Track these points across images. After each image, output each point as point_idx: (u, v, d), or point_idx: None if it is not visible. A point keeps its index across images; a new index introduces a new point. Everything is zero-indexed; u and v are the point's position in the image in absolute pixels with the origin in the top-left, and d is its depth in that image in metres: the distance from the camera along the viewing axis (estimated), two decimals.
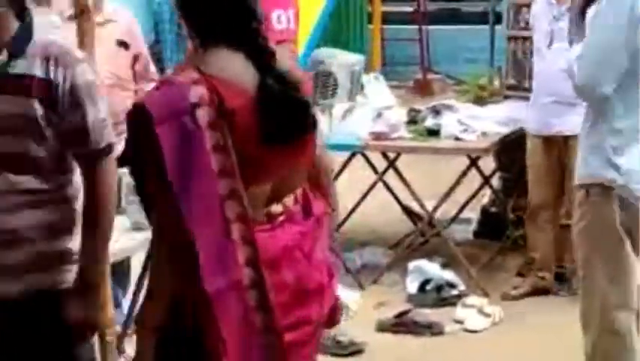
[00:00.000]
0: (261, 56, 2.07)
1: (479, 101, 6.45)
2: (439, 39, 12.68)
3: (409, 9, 12.80)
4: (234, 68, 2.05)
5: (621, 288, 3.29)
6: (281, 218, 2.07)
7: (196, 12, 2.10)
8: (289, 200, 2.10)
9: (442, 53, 12.56)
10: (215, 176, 1.91)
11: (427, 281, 5.18)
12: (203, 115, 1.92)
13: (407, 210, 6.22)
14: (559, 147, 5.04)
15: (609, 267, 3.28)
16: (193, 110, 1.93)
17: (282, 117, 2.02)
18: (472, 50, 11.84)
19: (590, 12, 3.29)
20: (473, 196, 6.09)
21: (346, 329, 4.58)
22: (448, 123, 5.25)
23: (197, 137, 1.91)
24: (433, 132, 5.32)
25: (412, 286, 5.19)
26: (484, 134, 5.25)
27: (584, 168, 3.32)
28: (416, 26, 12.46)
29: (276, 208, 2.08)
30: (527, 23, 5.80)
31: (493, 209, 6.15)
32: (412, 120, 5.54)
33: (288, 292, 2.04)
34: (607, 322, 3.29)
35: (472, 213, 6.32)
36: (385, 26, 12.19)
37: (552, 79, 4.94)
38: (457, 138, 5.23)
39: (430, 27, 12.69)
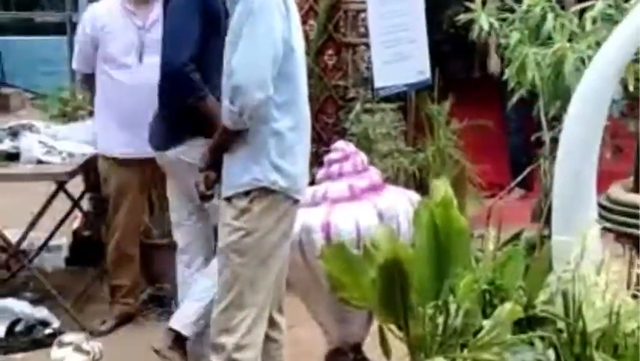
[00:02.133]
0: None
1: (64, 116, 6.08)
2: (12, 51, 11.96)
3: None
4: None
5: (261, 298, 3.25)
6: None
7: None
8: None
9: (17, 66, 11.86)
10: None
11: (16, 322, 4.67)
12: None
13: None
14: (152, 166, 4.75)
15: (256, 277, 3.22)
16: None
17: None
18: (50, 62, 11.30)
19: (235, 15, 3.13)
20: (62, 221, 5.65)
21: None
22: (29, 146, 4.78)
23: None
24: (12, 156, 4.81)
25: None
26: (70, 155, 4.84)
27: (242, 175, 3.18)
28: None
29: None
30: None
31: (86, 233, 5.78)
32: None
33: None
34: (248, 339, 3.22)
35: (64, 239, 5.90)
36: None
37: (151, 95, 4.62)
38: (40, 162, 4.76)
39: (1, 38, 11.93)
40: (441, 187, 2.79)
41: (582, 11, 3.87)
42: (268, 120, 3.16)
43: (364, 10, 5.51)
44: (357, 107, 5.38)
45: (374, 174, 3.81)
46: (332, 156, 3.80)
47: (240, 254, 3.20)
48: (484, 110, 7.90)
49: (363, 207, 3.61)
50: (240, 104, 3.08)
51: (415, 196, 3.85)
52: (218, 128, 3.25)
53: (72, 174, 4.78)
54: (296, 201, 3.26)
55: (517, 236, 3.73)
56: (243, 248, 3.19)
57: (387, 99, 5.53)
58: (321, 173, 3.82)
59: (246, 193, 3.18)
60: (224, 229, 3.24)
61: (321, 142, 5.66)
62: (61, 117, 6.35)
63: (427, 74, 5.70)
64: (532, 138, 4.17)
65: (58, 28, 11.39)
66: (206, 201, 3.38)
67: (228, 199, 3.22)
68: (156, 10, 4.72)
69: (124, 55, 4.67)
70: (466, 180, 5.96)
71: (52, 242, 5.77)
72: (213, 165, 3.27)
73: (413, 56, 5.60)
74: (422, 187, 5.50)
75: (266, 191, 3.17)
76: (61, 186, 4.99)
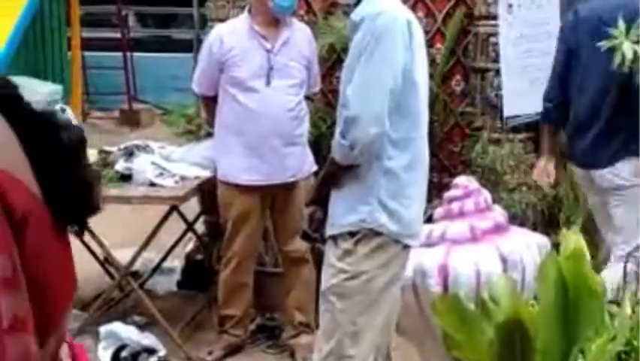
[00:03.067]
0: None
1: (190, 133, 6.04)
2: (145, 67, 12.11)
3: (114, 35, 12.11)
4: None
5: (363, 350, 3.00)
6: None
7: None
8: (63, 353, 1.38)
9: (150, 82, 11.99)
10: (3, 334, 1.15)
11: (122, 348, 4.56)
12: None
13: (103, 263, 5.56)
14: (275, 196, 4.59)
15: (359, 326, 2.98)
16: None
17: (77, 208, 1.29)
18: (179, 79, 11.38)
19: (355, 41, 2.91)
20: (176, 244, 5.54)
21: None
22: (142, 167, 4.66)
23: None
24: (126, 177, 4.71)
25: (105, 354, 4.55)
26: (183, 178, 4.70)
27: (348, 215, 2.94)
28: (120, 53, 11.80)
29: None
30: None
31: (199, 256, 5.64)
32: (103, 163, 4.91)
33: None
34: None
35: (177, 262, 5.78)
36: (88, 53, 11.42)
37: (278, 120, 4.47)
38: (152, 184, 4.64)
39: (136, 54, 12.08)
40: (571, 237, 2.46)
41: None
42: (381, 157, 2.90)
43: (495, 34, 5.18)
44: (484, 137, 5.04)
45: (498, 215, 3.49)
46: (452, 192, 3.52)
47: (341, 298, 2.95)
48: None
49: (485, 250, 3.31)
50: (351, 138, 2.84)
51: (542, 240, 3.52)
52: (328, 159, 3.01)
53: (183, 199, 4.64)
54: (407, 247, 2.99)
55: None
56: (345, 292, 2.94)
57: (515, 129, 5.18)
58: (439, 211, 3.53)
59: (351, 234, 2.92)
60: (327, 270, 3.00)
61: (445, 171, 5.36)
62: (187, 134, 6.34)
63: None
64: None
65: (187, 45, 11.46)
66: (310, 243, 3.15)
67: (333, 238, 2.98)
68: (286, 33, 4.55)
69: (251, 79, 4.49)
70: None
71: (166, 264, 5.68)
72: (321, 200, 3.03)
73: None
74: (553, 226, 5.14)
75: (373, 233, 2.91)
76: (173, 209, 4.86)
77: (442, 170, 5.36)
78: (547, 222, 5.01)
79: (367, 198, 2.90)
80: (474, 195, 3.48)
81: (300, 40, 4.62)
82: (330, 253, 2.98)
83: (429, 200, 4.40)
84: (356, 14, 3.00)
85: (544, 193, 5.03)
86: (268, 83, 4.49)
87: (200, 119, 6.24)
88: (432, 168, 5.24)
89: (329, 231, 3.00)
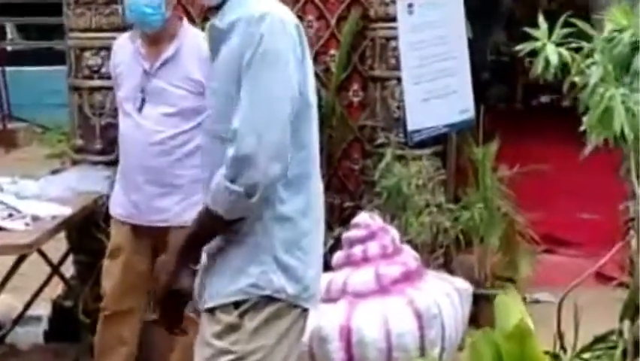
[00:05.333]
0: None
1: (65, 155, 5.42)
2: (22, 81, 11.29)
3: None
4: None
5: None
6: None
7: None
8: None
9: (27, 98, 11.15)
10: None
11: None
12: None
13: None
14: (153, 238, 3.89)
15: None
16: None
17: None
18: (60, 94, 10.58)
19: (224, 54, 2.28)
20: (41, 288, 4.82)
21: None
22: None
23: None
24: None
25: None
26: (35, 218, 3.94)
27: (234, 279, 2.27)
28: None
29: None
30: (93, 71, 4.76)
31: (67, 303, 4.92)
32: None
33: None
34: None
35: (44, 309, 5.07)
36: None
37: (144, 153, 3.80)
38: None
39: (9, 68, 11.28)
40: (510, 306, 1.86)
41: None
42: (272, 201, 2.23)
43: (395, 38, 4.61)
44: (388, 155, 4.46)
45: (409, 258, 2.90)
46: (353, 233, 2.90)
47: None
48: (533, 147, 7.01)
49: (395, 304, 2.72)
50: (246, 182, 2.15)
51: (462, 284, 2.96)
52: (199, 213, 2.31)
53: (34, 245, 3.84)
54: (305, 310, 2.33)
55: (602, 339, 2.81)
56: None
57: (421, 144, 4.63)
58: (339, 256, 2.90)
59: (236, 304, 2.26)
60: (202, 348, 2.31)
61: (344, 192, 4.78)
62: (61, 156, 5.74)
63: (471, 112, 4.80)
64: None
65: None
66: (173, 330, 2.41)
67: (210, 311, 2.30)
68: (170, 50, 3.79)
69: (126, 101, 3.88)
70: (516, 235, 5.04)
71: (30, 313, 4.96)
72: (189, 262, 2.33)
73: (454, 92, 4.72)
74: (468, 250, 4.63)
75: (266, 300, 2.25)
76: (23, 258, 4.10)
77: (342, 191, 4.79)
78: (465, 246, 4.49)
79: (259, 255, 2.23)
80: (379, 235, 2.87)
81: (188, 58, 3.84)
82: (207, 329, 2.30)
83: (329, 227, 3.80)
84: (222, 19, 2.33)
85: (457, 216, 4.48)
86: (140, 109, 3.83)
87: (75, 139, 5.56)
88: (329, 188, 4.74)
89: (208, 303, 2.31)
